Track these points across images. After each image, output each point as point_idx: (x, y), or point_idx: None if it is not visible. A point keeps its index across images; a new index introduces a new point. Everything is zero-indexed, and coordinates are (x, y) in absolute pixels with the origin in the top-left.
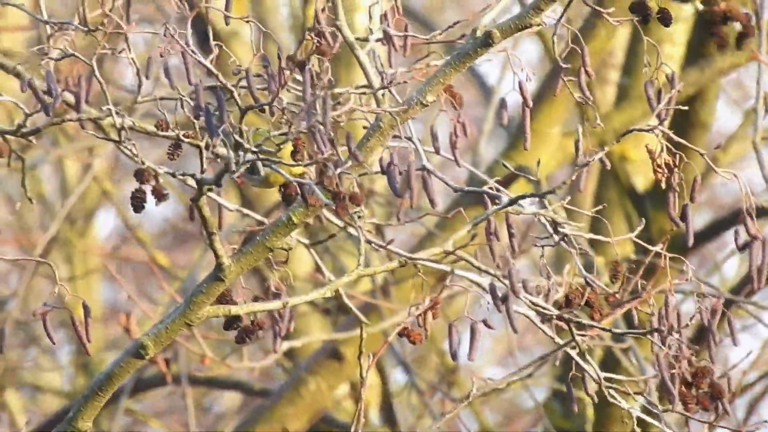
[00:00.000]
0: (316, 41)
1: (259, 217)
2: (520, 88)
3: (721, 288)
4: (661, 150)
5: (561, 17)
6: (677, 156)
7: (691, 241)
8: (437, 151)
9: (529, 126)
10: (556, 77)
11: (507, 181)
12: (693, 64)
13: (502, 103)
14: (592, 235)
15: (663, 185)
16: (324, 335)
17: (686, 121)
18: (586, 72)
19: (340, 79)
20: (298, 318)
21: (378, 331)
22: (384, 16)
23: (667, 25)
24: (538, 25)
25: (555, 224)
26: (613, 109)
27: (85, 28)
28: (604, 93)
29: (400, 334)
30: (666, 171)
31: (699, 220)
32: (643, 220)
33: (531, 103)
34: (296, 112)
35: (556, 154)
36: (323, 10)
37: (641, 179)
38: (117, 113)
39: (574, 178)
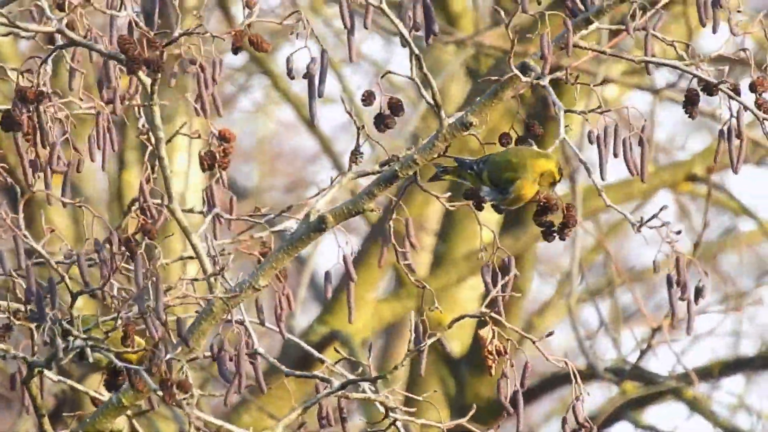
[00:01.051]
0: (140, 219)
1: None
2: (345, 262)
3: None
4: (493, 337)
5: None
6: (509, 342)
7: (521, 428)
8: (262, 323)
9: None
10: (373, 243)
11: (321, 346)
12: (510, 228)
13: (327, 277)
14: (423, 421)
15: (492, 372)
16: None
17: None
18: (411, 243)
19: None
20: None
21: None
22: (209, 192)
23: (479, 209)
24: (371, 210)
25: (387, 409)
26: (429, 275)
27: None
28: (420, 258)
29: None
30: (496, 357)
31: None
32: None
33: (355, 278)
34: (127, 297)
35: (371, 320)
36: (147, 181)
37: (457, 344)
38: None
39: (405, 362)
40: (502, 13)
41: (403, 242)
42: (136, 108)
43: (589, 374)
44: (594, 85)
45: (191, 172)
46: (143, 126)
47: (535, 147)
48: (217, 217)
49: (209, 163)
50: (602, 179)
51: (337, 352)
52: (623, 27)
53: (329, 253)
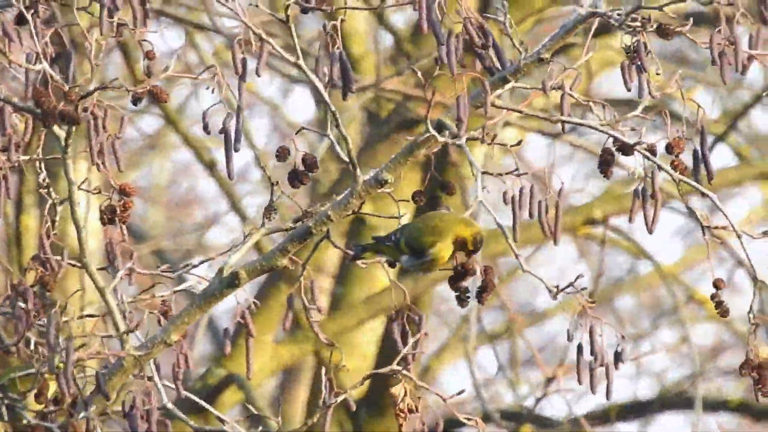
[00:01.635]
0: (39, 271)
1: None
2: (244, 317)
3: None
4: (405, 395)
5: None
6: (419, 400)
7: None
8: (179, 393)
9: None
10: (272, 285)
11: (218, 390)
12: (406, 273)
13: (226, 334)
14: None
15: (403, 429)
16: None
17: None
18: (318, 308)
19: None
20: None
21: None
22: (110, 247)
23: (392, 267)
24: (284, 266)
25: None
26: (327, 318)
27: None
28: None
29: None
30: (408, 415)
31: None
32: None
33: (254, 333)
34: (41, 354)
35: (269, 362)
36: (48, 236)
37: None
38: None
39: (314, 420)
40: (418, 73)
41: (305, 292)
42: (36, 162)
43: (485, 419)
44: (511, 146)
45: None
46: (44, 180)
47: (453, 212)
48: (130, 272)
49: (109, 217)
50: (515, 240)
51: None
52: (540, 87)
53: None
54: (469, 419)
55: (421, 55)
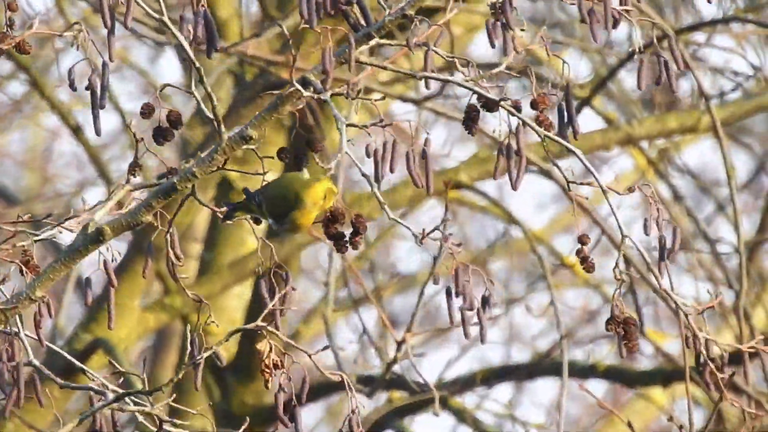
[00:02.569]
0: None
1: None
2: (106, 267)
3: None
4: (270, 351)
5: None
6: (285, 356)
7: None
8: (41, 342)
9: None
10: (137, 251)
11: (85, 354)
12: (276, 233)
13: (87, 283)
14: None
15: (269, 385)
16: None
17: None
18: (175, 255)
19: None
20: None
21: None
22: None
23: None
24: (150, 222)
25: (160, 422)
26: (195, 283)
27: None
28: (186, 266)
29: None
30: (273, 371)
31: None
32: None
33: (116, 284)
34: None
35: (136, 327)
36: None
37: (223, 352)
38: None
39: (180, 375)
40: (284, 29)
41: (167, 253)
42: None
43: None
44: (375, 101)
45: None
46: None
47: (306, 173)
48: None
49: None
50: (378, 188)
51: (112, 366)
52: (404, 43)
53: (92, 258)
54: (333, 374)
55: (287, 19)
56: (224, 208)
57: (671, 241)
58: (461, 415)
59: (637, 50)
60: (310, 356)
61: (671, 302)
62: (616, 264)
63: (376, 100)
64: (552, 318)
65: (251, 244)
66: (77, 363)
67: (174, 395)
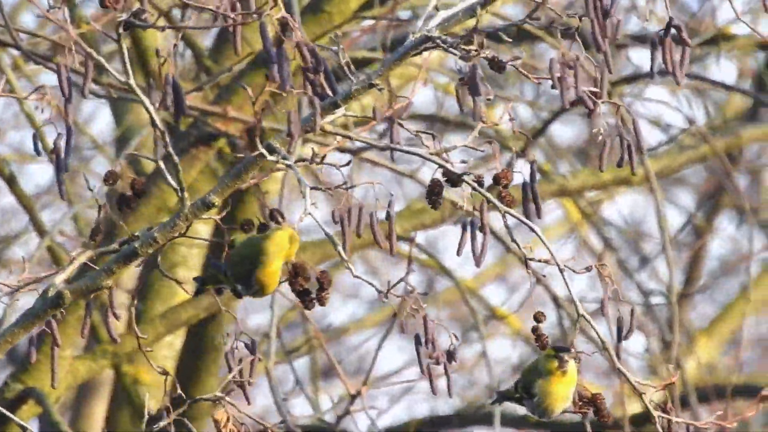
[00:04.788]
0: None
1: None
2: (50, 327)
3: None
4: (227, 420)
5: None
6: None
7: None
8: None
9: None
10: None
11: (15, 404)
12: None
13: (32, 342)
14: None
15: None
16: None
17: (200, 342)
18: (114, 314)
19: None
20: None
21: None
22: None
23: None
24: (109, 287)
25: None
26: (126, 333)
27: None
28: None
29: None
30: None
31: None
32: None
33: (60, 343)
34: None
35: (66, 377)
36: None
37: (154, 402)
38: None
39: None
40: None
41: (105, 310)
42: None
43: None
44: (340, 167)
45: None
46: None
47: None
48: None
49: None
50: (346, 256)
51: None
52: (371, 117)
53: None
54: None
55: (222, 71)
56: (190, 283)
57: (628, 321)
58: None
59: (600, 132)
60: (268, 429)
61: (629, 381)
62: (572, 344)
63: (341, 166)
64: (476, 369)
65: (182, 295)
66: (7, 413)
67: None
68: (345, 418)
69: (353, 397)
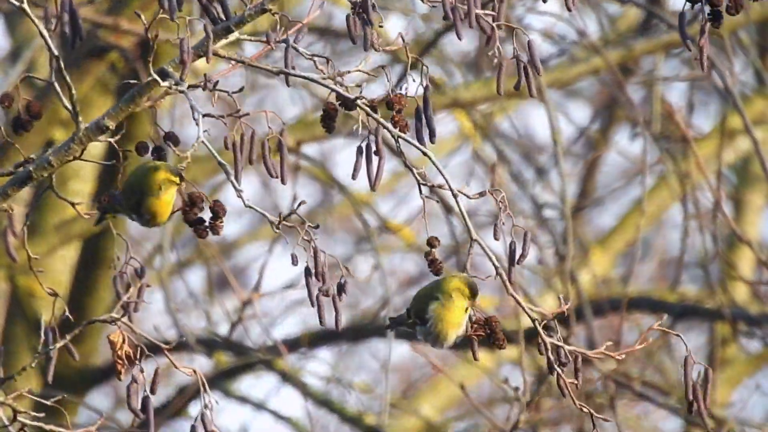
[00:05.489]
0: None
1: None
2: None
3: None
4: (123, 341)
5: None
6: (138, 348)
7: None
8: None
9: None
10: None
11: None
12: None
13: None
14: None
15: (122, 377)
16: None
17: (94, 255)
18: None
19: None
20: None
21: None
22: None
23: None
24: (4, 210)
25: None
26: (21, 245)
27: None
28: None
29: None
30: (126, 362)
31: None
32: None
33: None
34: None
35: None
36: None
37: (44, 318)
38: None
39: (32, 365)
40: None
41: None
42: None
43: (181, 346)
44: (232, 93)
45: None
46: None
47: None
48: None
49: None
50: (239, 185)
51: None
52: (264, 40)
53: None
54: (187, 369)
55: None
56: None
57: (521, 246)
58: (286, 377)
59: (496, 54)
60: (164, 350)
61: (523, 308)
62: (465, 267)
63: (233, 93)
64: (369, 282)
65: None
66: None
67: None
68: (237, 326)
69: (244, 305)
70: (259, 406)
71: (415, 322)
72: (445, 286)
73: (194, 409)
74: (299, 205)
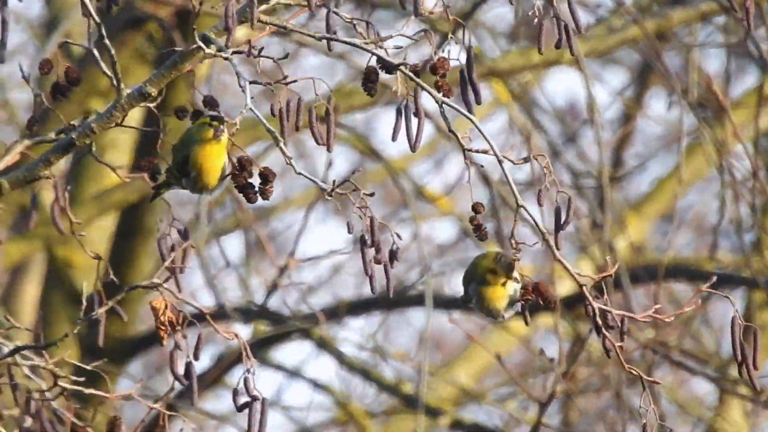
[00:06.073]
0: None
1: None
2: None
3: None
4: (165, 307)
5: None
6: (180, 315)
7: (196, 402)
8: None
9: None
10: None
11: None
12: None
13: None
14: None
15: (164, 342)
16: None
17: (132, 225)
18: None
19: None
20: None
21: None
22: None
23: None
24: (47, 177)
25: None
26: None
27: None
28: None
29: None
30: (169, 328)
31: None
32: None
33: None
34: None
35: None
36: None
37: (86, 285)
38: None
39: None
40: None
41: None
42: None
43: (219, 314)
44: (278, 59)
45: None
46: None
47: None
48: None
49: None
50: (286, 146)
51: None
52: (305, 3)
53: None
54: (228, 334)
55: None
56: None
57: (565, 212)
58: (322, 345)
59: (535, 13)
60: (205, 315)
61: (569, 273)
62: (512, 234)
63: (279, 59)
64: (408, 250)
65: (114, 178)
66: None
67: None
68: (273, 293)
69: (281, 270)
70: (295, 374)
71: (468, 299)
72: (479, 270)
73: (231, 378)
74: (354, 172)
